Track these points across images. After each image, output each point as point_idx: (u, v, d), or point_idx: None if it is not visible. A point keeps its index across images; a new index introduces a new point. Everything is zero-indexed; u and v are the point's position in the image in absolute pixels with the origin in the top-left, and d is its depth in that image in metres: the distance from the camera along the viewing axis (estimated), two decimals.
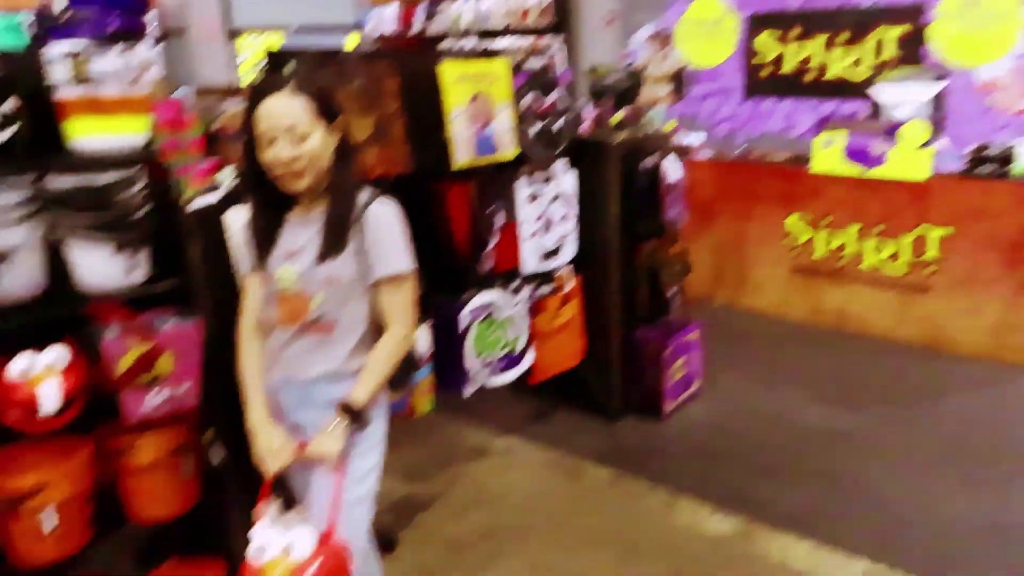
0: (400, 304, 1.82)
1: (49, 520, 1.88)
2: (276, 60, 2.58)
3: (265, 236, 1.82)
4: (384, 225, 1.79)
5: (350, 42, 8.23)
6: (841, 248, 4.84)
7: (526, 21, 6.87)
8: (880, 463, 3.28)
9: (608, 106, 3.75)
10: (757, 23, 5.84)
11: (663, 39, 5.88)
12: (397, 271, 1.79)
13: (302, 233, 1.80)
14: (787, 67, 5.75)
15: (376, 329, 1.86)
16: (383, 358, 1.81)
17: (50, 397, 1.84)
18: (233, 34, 7.54)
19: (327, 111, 1.74)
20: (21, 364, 1.86)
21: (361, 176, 2.57)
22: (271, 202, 1.80)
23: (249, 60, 7.71)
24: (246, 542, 2.22)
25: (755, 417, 3.77)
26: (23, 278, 1.91)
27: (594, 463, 3.34)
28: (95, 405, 2.01)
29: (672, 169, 3.63)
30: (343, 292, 1.78)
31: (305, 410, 1.86)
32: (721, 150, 5.78)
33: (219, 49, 7.33)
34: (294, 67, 2.44)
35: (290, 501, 1.85)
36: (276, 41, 7.68)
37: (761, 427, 3.66)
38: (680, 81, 5.87)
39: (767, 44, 5.83)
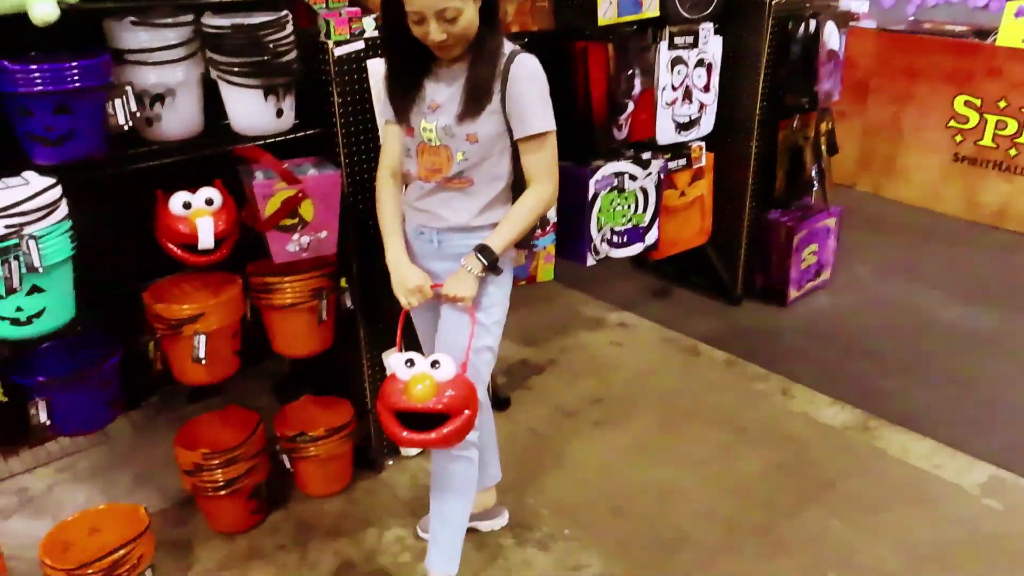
0: (543, 162, 1.83)
1: (202, 346, 2.09)
2: None
3: (407, 88, 1.84)
4: (527, 83, 1.77)
5: None
6: (1016, 135, 4.42)
7: None
8: (1020, 370, 3.15)
9: None
10: None
11: None
12: (539, 130, 1.79)
13: (445, 88, 1.81)
14: None
15: (513, 186, 1.90)
16: (524, 213, 1.84)
17: (207, 232, 2.00)
18: None
19: None
20: (181, 199, 2.01)
21: (504, 30, 2.56)
22: (414, 55, 1.81)
23: None
24: (373, 383, 2.43)
25: (887, 311, 3.65)
26: (183, 118, 2.03)
27: (710, 344, 3.36)
28: (243, 245, 2.16)
29: (832, 37, 3.37)
30: (483, 149, 1.81)
31: (437, 260, 1.94)
32: (887, 19, 5.28)
33: None
34: None
35: (413, 348, 1.98)
36: None
37: (892, 322, 3.55)
38: None
39: None
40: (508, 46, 1.80)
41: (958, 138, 4.68)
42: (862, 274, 4.02)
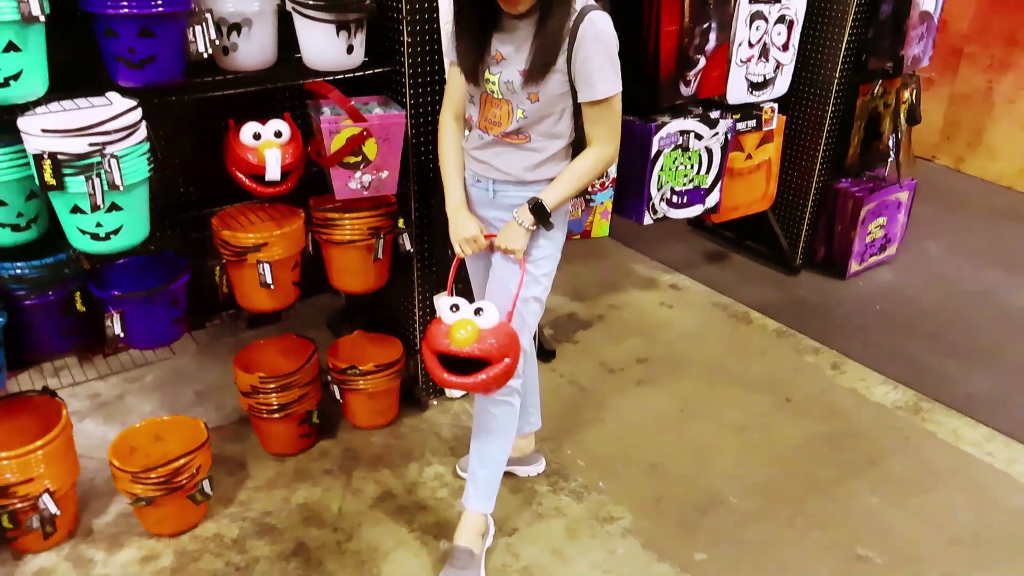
0: (606, 125, 1.87)
1: (266, 274, 2.26)
2: None
3: (476, 35, 1.88)
4: (595, 44, 1.78)
5: None
6: None
7: None
8: None
9: None
10: None
11: None
12: (605, 95, 1.82)
13: (512, 39, 1.85)
14: None
15: (573, 145, 1.97)
16: (582, 171, 1.90)
17: (274, 164, 2.14)
18: None
19: None
20: (252, 129, 2.15)
21: None
22: (484, 5, 1.84)
23: None
24: (423, 323, 2.57)
25: (952, 292, 3.66)
26: (258, 48, 2.16)
27: (762, 313, 3.43)
28: (307, 180, 2.31)
29: None
30: (544, 108, 1.85)
31: (492, 208, 2.04)
32: None
33: None
34: None
35: (464, 293, 2.11)
36: None
37: (958, 305, 3.56)
38: None
39: None
40: (580, 1, 1.83)
41: None
42: (932, 252, 4.01)
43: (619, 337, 3.24)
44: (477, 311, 1.87)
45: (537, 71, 1.80)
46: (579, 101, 1.85)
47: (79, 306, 2.10)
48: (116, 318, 2.10)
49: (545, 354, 3.05)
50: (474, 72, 1.90)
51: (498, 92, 1.87)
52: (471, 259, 2.14)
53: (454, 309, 1.88)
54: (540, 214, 1.90)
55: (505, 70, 1.84)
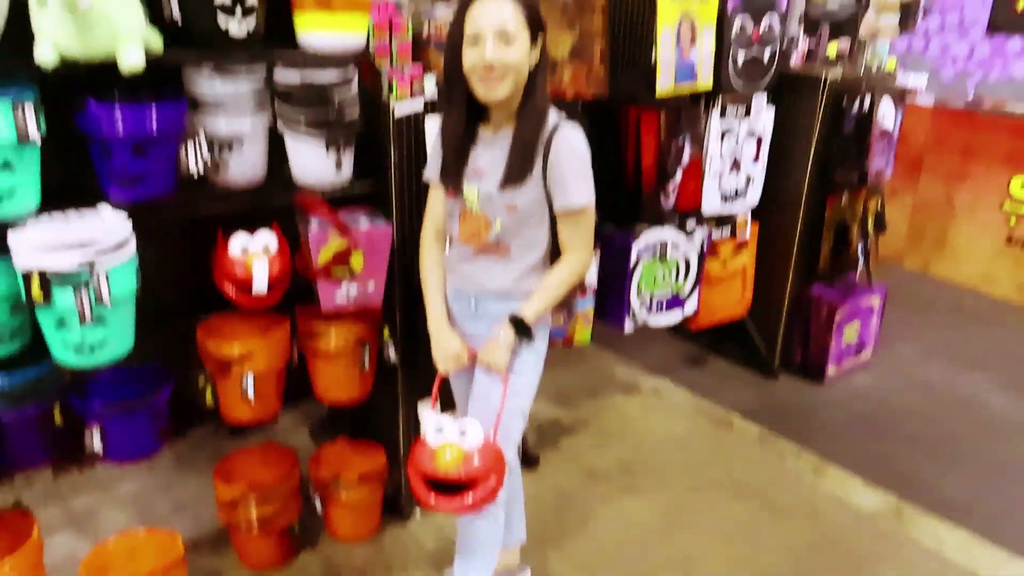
0: (580, 233, 1.91)
1: (249, 386, 2.23)
2: None
3: (456, 149, 1.94)
4: (570, 155, 1.85)
5: None
6: None
7: None
8: None
9: (823, 36, 3.60)
10: None
11: None
12: (579, 205, 1.87)
13: (489, 153, 1.91)
14: None
15: (553, 253, 2.01)
16: (559, 280, 1.93)
17: (261, 276, 2.14)
18: None
19: (534, 22, 1.81)
20: (240, 243, 2.16)
21: (553, 96, 2.70)
22: (466, 112, 1.90)
23: None
24: (408, 433, 2.53)
25: (929, 395, 3.69)
26: (248, 165, 2.20)
27: (743, 417, 3.42)
28: (293, 290, 2.31)
29: (887, 116, 3.48)
30: (523, 217, 1.90)
31: (473, 322, 2.05)
32: (946, 95, 5.38)
33: None
34: None
35: (448, 404, 2.10)
36: None
37: (934, 407, 3.58)
38: (911, 10, 5.44)
39: None
40: (554, 115, 1.89)
41: (1012, 220, 4.72)
42: (905, 355, 4.06)
43: (603, 443, 3.21)
44: (462, 432, 1.84)
45: (515, 176, 1.85)
46: (554, 209, 1.90)
47: (57, 419, 2.06)
48: (96, 432, 2.06)
49: (529, 461, 3.01)
50: (455, 186, 1.95)
51: (477, 205, 1.92)
52: (455, 373, 2.14)
53: (439, 431, 1.85)
54: (521, 330, 1.93)
55: (483, 183, 1.90)
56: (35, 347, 2.01)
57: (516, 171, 1.85)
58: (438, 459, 1.81)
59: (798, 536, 2.72)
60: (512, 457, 2.10)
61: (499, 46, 1.77)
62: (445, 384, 2.14)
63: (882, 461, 3.15)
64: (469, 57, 1.81)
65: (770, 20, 3.20)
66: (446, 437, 1.84)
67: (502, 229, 1.91)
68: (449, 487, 1.82)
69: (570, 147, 1.85)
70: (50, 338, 1.90)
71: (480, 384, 2.03)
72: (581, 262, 1.94)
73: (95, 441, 2.06)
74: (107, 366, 1.97)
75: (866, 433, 3.36)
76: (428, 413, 1.94)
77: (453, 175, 1.95)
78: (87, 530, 2.55)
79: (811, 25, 3.79)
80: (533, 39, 1.83)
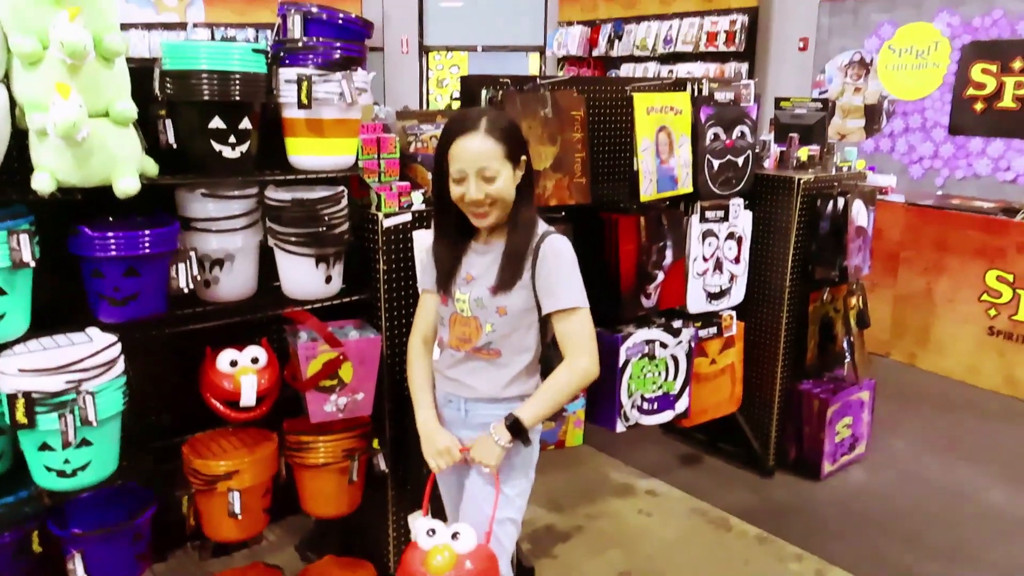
0: (576, 336, 1.91)
1: (235, 504, 2.16)
2: (469, 85, 2.80)
3: (448, 261, 2.00)
4: (556, 261, 1.91)
5: (532, 64, 8.64)
6: None
7: (713, 45, 6.82)
8: None
9: (794, 143, 3.73)
10: (975, 52, 5.55)
11: (861, 67, 5.70)
12: (567, 305, 1.90)
13: (480, 261, 1.97)
14: (1005, 102, 5.43)
15: (541, 361, 2.01)
16: (558, 386, 1.92)
17: (250, 390, 2.12)
18: (424, 51, 8.26)
19: (514, 152, 1.89)
20: (228, 357, 2.15)
21: (538, 205, 2.76)
22: (457, 230, 1.98)
23: (436, 76, 8.40)
24: (398, 548, 2.45)
25: (926, 490, 3.62)
26: (238, 281, 2.22)
27: (741, 518, 3.34)
28: (282, 402, 2.28)
29: (860, 215, 3.56)
30: (513, 322, 1.93)
31: (464, 428, 2.01)
32: (915, 193, 5.54)
33: (411, 65, 8.04)
34: (488, 97, 2.64)
35: (439, 514, 2.04)
36: (463, 60, 8.30)
37: (932, 502, 3.51)
38: (876, 114, 5.68)
39: (984, 76, 5.53)
40: (541, 226, 1.97)
41: (992, 312, 4.77)
42: (899, 449, 4.01)
43: (599, 550, 3.10)
44: (454, 535, 1.80)
45: (507, 280, 1.90)
46: (544, 312, 1.92)
47: (35, 547, 1.98)
48: (77, 559, 1.97)
49: (524, 572, 2.90)
50: (447, 293, 1.99)
51: (468, 310, 1.95)
52: (443, 478, 2.10)
53: (431, 534, 1.81)
54: (517, 431, 1.90)
55: (474, 289, 1.94)
56: (15, 471, 1.95)
57: (508, 276, 1.91)
58: (429, 562, 1.76)
59: None
60: (505, 568, 2.02)
61: (482, 184, 1.86)
62: (435, 493, 2.08)
63: (885, 562, 3.06)
64: (456, 191, 1.90)
65: (741, 128, 3.32)
66: (439, 539, 1.80)
67: (493, 332, 1.93)
68: None
69: (556, 252, 1.91)
70: (32, 461, 1.86)
71: (471, 489, 1.99)
72: (582, 366, 1.91)
73: (78, 569, 1.97)
74: (90, 488, 1.91)
75: (867, 532, 3.27)
76: (419, 519, 1.89)
77: (446, 282, 1.99)
78: None
79: (781, 131, 3.93)
80: (516, 164, 1.90)
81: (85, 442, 1.84)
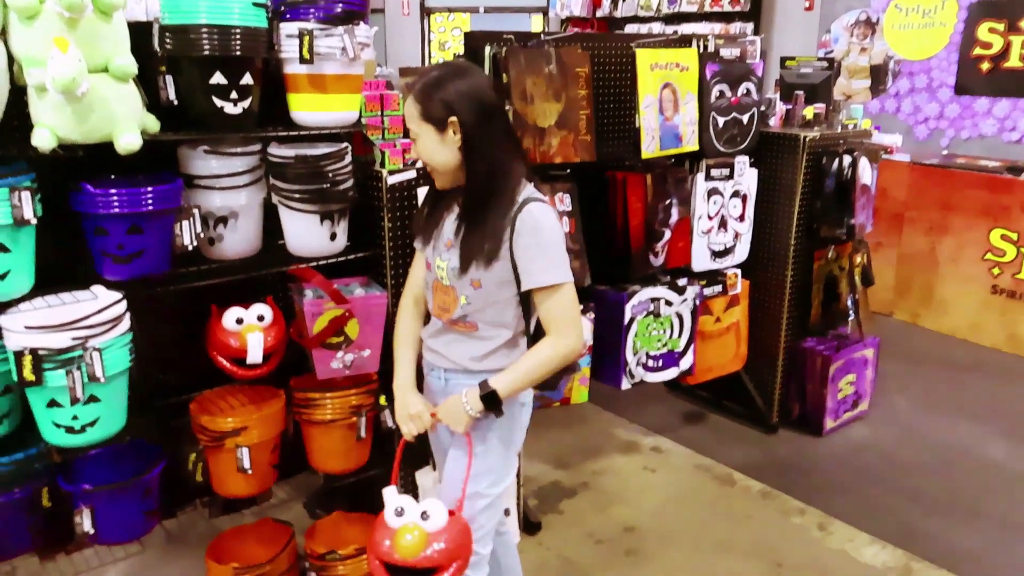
0: (556, 313, 1.75)
1: (244, 459, 2.14)
2: (472, 42, 2.73)
3: (429, 221, 1.88)
4: (532, 235, 1.72)
5: (536, 24, 8.45)
6: None
7: (718, 5, 6.66)
8: None
9: (799, 101, 3.64)
10: (982, 11, 5.41)
11: (867, 27, 5.56)
12: (545, 283, 1.73)
13: (454, 228, 1.82)
14: (1012, 62, 5.30)
15: (530, 338, 1.86)
16: (537, 361, 1.77)
17: (256, 348, 2.09)
18: (426, 13, 8.05)
19: (433, 114, 1.71)
20: (234, 315, 2.11)
21: (542, 162, 2.70)
22: (438, 193, 1.87)
23: (438, 39, 8.21)
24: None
25: (928, 447, 3.59)
26: (243, 238, 2.17)
27: (745, 474, 3.32)
28: (288, 361, 2.25)
29: (864, 172, 3.49)
30: (487, 296, 1.78)
31: (443, 397, 1.90)
32: (920, 153, 5.44)
33: (413, 27, 7.84)
34: (492, 54, 2.57)
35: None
36: (465, 22, 8.10)
37: (934, 458, 3.49)
38: (882, 75, 5.55)
39: (991, 35, 5.39)
40: (525, 192, 1.77)
41: (996, 271, 4.71)
42: (901, 406, 3.98)
43: (604, 505, 3.09)
44: (423, 515, 1.71)
45: (467, 255, 1.75)
46: (522, 289, 1.76)
47: (45, 502, 1.96)
48: (86, 513, 1.96)
49: (531, 526, 2.90)
50: (429, 258, 1.89)
51: (446, 278, 1.82)
52: (434, 439, 2.04)
53: (399, 512, 1.72)
54: (491, 402, 1.76)
55: (452, 257, 1.80)
56: (24, 429, 1.93)
57: (467, 249, 1.75)
58: (398, 542, 1.67)
59: None
60: (483, 549, 1.91)
61: (414, 143, 1.78)
62: (419, 457, 1.98)
63: (887, 515, 3.04)
64: None
65: (747, 85, 3.24)
66: (408, 518, 1.71)
67: (468, 304, 1.80)
68: (412, 572, 1.68)
69: (534, 225, 1.72)
70: (40, 418, 1.83)
71: (452, 453, 1.90)
72: (564, 345, 1.76)
73: (86, 523, 1.96)
74: (98, 445, 1.89)
75: (869, 487, 3.26)
76: (390, 493, 1.77)
77: (429, 246, 1.89)
78: None
79: (787, 90, 3.84)
80: (439, 127, 1.72)
81: (93, 399, 1.82)
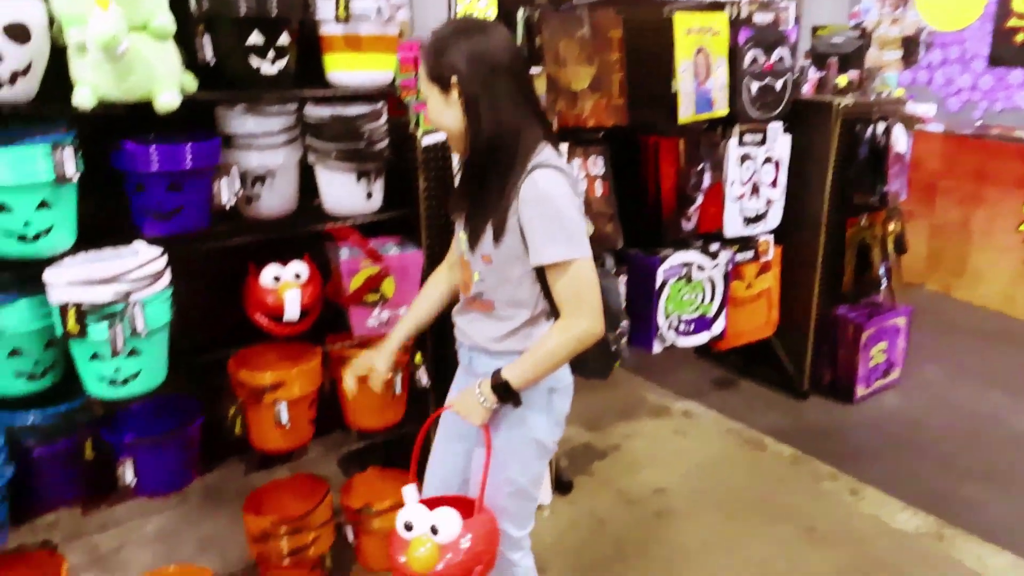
0: (566, 292, 1.55)
1: (282, 414, 2.12)
2: (505, 6, 2.65)
3: (457, 192, 1.73)
4: (534, 207, 1.52)
5: None
6: None
7: None
8: None
9: (832, 68, 3.51)
10: None
11: None
12: (548, 260, 1.53)
13: None
14: None
15: (554, 317, 1.65)
16: (547, 347, 1.58)
17: (294, 305, 2.05)
18: None
19: (435, 73, 1.55)
20: (272, 272, 2.08)
21: (574, 126, 2.62)
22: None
23: (464, 9, 8.08)
24: None
25: (959, 415, 3.48)
26: (280, 197, 2.13)
27: (775, 439, 3.24)
28: (324, 319, 2.21)
29: (899, 139, 3.36)
30: (500, 272, 1.62)
31: (467, 377, 1.80)
32: (953, 124, 5.25)
33: None
34: (524, 18, 2.49)
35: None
36: None
37: (966, 428, 3.38)
38: (913, 45, 5.35)
39: None
40: (538, 157, 1.55)
41: None
42: (933, 376, 3.86)
43: (635, 467, 3.04)
44: (433, 529, 1.57)
45: (473, 231, 1.60)
46: (531, 266, 1.57)
47: (88, 454, 1.95)
48: (128, 465, 1.95)
49: (562, 486, 2.86)
50: (455, 231, 1.76)
51: (465, 254, 1.68)
52: (441, 436, 1.91)
53: (408, 527, 1.58)
54: (504, 393, 1.59)
55: (467, 232, 1.67)
56: (67, 381, 1.92)
57: (473, 224, 1.60)
58: (411, 555, 1.56)
59: (838, 558, 2.53)
60: (513, 531, 1.75)
61: (426, 105, 1.62)
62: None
63: (919, 482, 2.95)
64: None
65: (780, 52, 3.12)
66: (417, 532, 1.58)
67: (482, 281, 1.65)
68: None
69: (538, 195, 1.52)
70: (83, 371, 1.82)
71: (475, 454, 1.76)
72: (578, 327, 1.55)
73: (128, 474, 1.95)
74: (140, 398, 1.87)
75: (900, 454, 3.16)
76: (410, 493, 1.64)
77: (454, 218, 1.75)
78: (112, 570, 2.43)
79: (819, 58, 3.71)
80: (443, 87, 1.55)
81: (134, 352, 1.80)
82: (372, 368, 1.84)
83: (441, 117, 1.58)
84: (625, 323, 1.78)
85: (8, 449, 1.80)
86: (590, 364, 1.73)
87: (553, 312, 1.62)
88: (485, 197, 1.58)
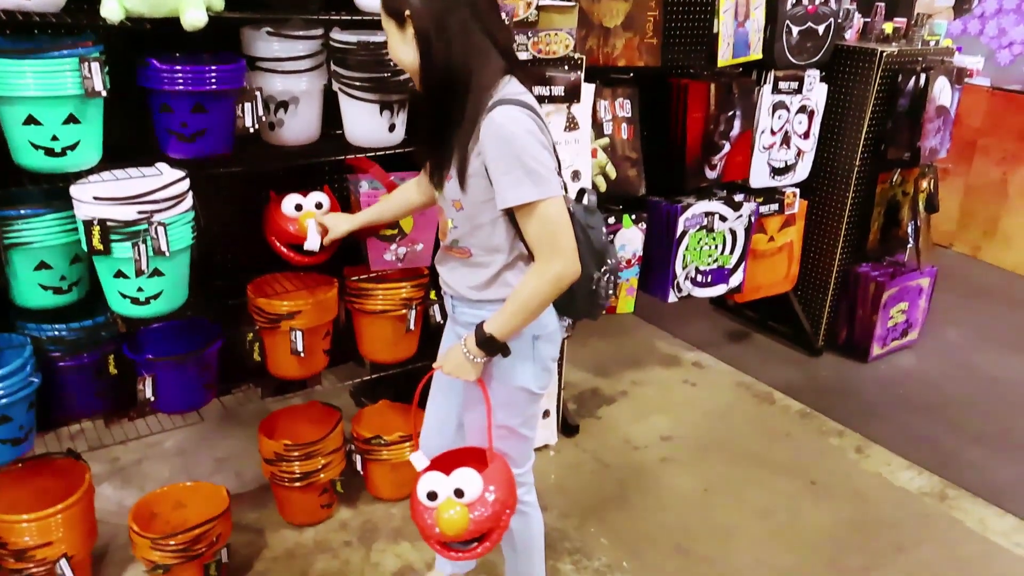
0: (536, 234, 1.53)
1: (297, 342, 2.23)
2: None
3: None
4: (496, 147, 1.49)
5: None
6: None
7: None
8: None
9: (879, 14, 3.46)
10: None
11: None
12: (519, 201, 1.50)
13: None
14: None
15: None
16: (523, 295, 1.57)
17: (315, 234, 2.13)
18: None
19: (390, 6, 1.54)
20: (294, 201, 2.15)
21: (604, 64, 2.64)
22: None
23: None
24: None
25: (974, 379, 3.57)
26: (303, 124, 2.19)
27: (785, 394, 3.35)
28: (341, 252, 2.29)
29: (943, 93, 3.34)
30: (471, 217, 1.61)
31: (452, 325, 1.85)
32: (1001, 78, 5.17)
33: None
34: None
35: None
36: None
37: (980, 392, 3.47)
38: None
39: None
40: (500, 92, 1.52)
41: None
42: (953, 339, 3.93)
43: (643, 414, 3.16)
44: (458, 492, 1.61)
45: (436, 175, 1.60)
46: (498, 208, 1.55)
47: (111, 369, 2.08)
48: (148, 381, 2.07)
49: (569, 429, 2.98)
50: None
51: (439, 199, 1.68)
52: (435, 386, 1.97)
53: (432, 496, 1.63)
54: (490, 347, 1.61)
55: None
56: (92, 298, 2.03)
57: (435, 165, 1.60)
58: (441, 521, 1.61)
59: (839, 513, 2.65)
60: (520, 472, 1.81)
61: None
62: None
63: (926, 443, 3.06)
64: None
65: None
66: (441, 499, 1.63)
67: (456, 228, 1.65)
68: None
69: (496, 133, 1.48)
70: (108, 288, 1.92)
71: (468, 402, 1.80)
72: (552, 270, 1.53)
73: (147, 390, 2.07)
74: (161, 317, 1.98)
75: (910, 414, 3.26)
76: (418, 460, 1.68)
77: (419, 164, 1.79)
78: (132, 481, 2.59)
79: (865, 2, 3.65)
80: (400, 23, 1.53)
81: (157, 272, 1.89)
82: (336, 226, 2.03)
83: (399, 53, 1.57)
84: (612, 261, 1.76)
85: (35, 360, 1.92)
86: (577, 305, 1.73)
87: (531, 256, 1.60)
88: (444, 139, 1.55)
